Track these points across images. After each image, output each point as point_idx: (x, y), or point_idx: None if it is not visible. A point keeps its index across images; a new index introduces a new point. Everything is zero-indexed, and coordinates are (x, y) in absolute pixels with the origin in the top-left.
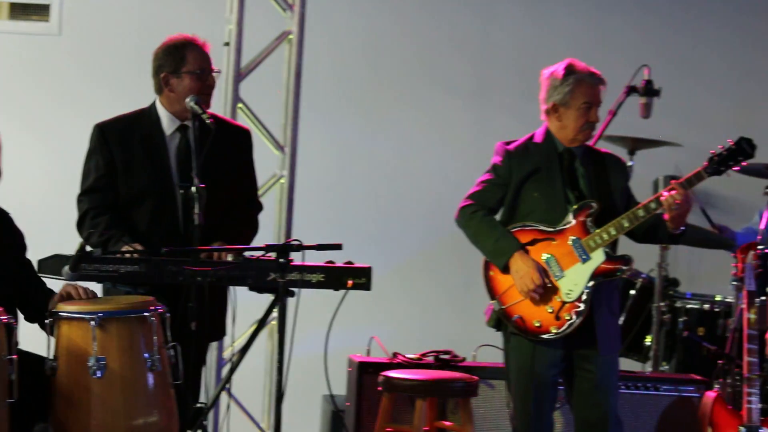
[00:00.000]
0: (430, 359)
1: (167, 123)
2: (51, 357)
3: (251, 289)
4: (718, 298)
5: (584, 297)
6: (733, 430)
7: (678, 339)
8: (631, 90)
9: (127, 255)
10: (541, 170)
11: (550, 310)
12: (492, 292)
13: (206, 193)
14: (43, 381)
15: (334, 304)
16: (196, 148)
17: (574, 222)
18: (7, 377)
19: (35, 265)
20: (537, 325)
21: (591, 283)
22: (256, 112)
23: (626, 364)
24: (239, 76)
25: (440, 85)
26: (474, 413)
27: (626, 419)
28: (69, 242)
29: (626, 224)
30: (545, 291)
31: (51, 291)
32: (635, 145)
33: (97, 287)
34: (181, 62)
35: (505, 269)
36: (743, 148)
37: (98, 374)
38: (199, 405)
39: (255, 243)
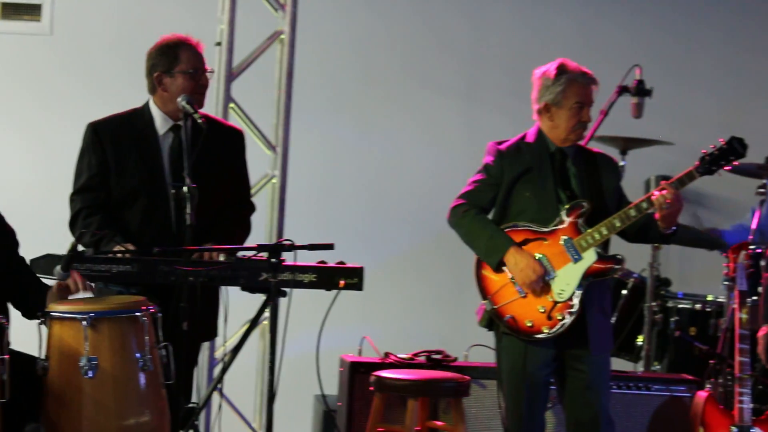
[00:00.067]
0: (421, 359)
1: (160, 123)
2: (42, 357)
3: (243, 289)
4: (709, 297)
5: (576, 297)
6: (725, 430)
7: (670, 339)
8: (622, 90)
9: (119, 255)
10: (532, 170)
11: (542, 310)
12: (484, 292)
13: (198, 193)
14: (35, 381)
15: (326, 304)
16: (188, 148)
17: (565, 222)
18: None
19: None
20: (529, 324)
21: (583, 283)
22: (248, 112)
23: (618, 363)
24: (231, 75)
25: (431, 85)
26: (466, 413)
27: (618, 419)
28: (58, 242)
29: (618, 224)
30: (538, 290)
31: (46, 286)
32: (627, 144)
33: None
34: (174, 62)
35: (499, 267)
36: (735, 147)
37: (90, 374)
38: (191, 405)
39: (247, 243)
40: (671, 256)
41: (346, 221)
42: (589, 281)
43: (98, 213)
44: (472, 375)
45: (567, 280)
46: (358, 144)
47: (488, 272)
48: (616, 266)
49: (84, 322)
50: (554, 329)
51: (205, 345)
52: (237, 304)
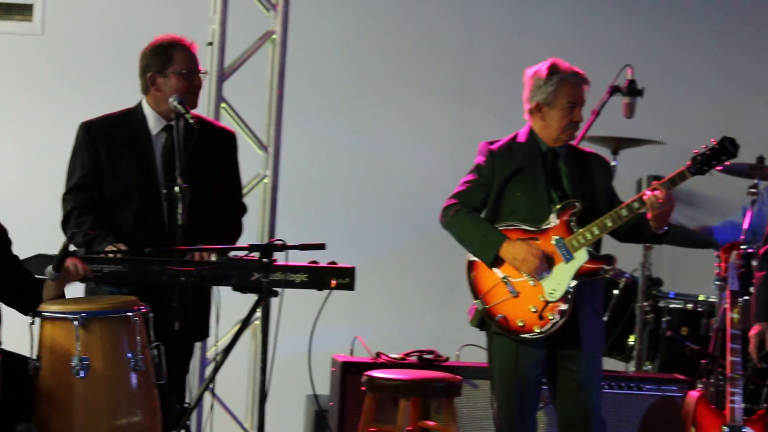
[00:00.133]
0: (413, 359)
1: (153, 122)
2: (34, 357)
3: (235, 289)
4: (701, 297)
5: (568, 296)
6: (717, 430)
7: (661, 339)
8: (614, 90)
9: (111, 255)
10: (524, 170)
11: (534, 310)
12: (475, 292)
13: (190, 193)
14: (26, 381)
15: (318, 304)
16: (180, 148)
17: (557, 221)
18: None
19: None
20: (520, 324)
21: (574, 283)
22: (240, 112)
23: (610, 363)
24: (222, 76)
25: (423, 85)
26: (457, 413)
27: (609, 419)
28: (50, 242)
29: (609, 224)
30: (530, 290)
31: (41, 282)
32: (618, 144)
33: (80, 287)
34: (168, 62)
35: (494, 263)
36: (726, 147)
37: (81, 374)
38: (183, 405)
39: (239, 243)
40: (663, 256)
41: (338, 221)
42: (581, 281)
43: (91, 213)
44: (464, 375)
45: (559, 280)
46: (350, 144)
47: (480, 272)
48: (608, 266)
49: (75, 322)
50: (545, 329)
51: (197, 345)
52: (229, 304)
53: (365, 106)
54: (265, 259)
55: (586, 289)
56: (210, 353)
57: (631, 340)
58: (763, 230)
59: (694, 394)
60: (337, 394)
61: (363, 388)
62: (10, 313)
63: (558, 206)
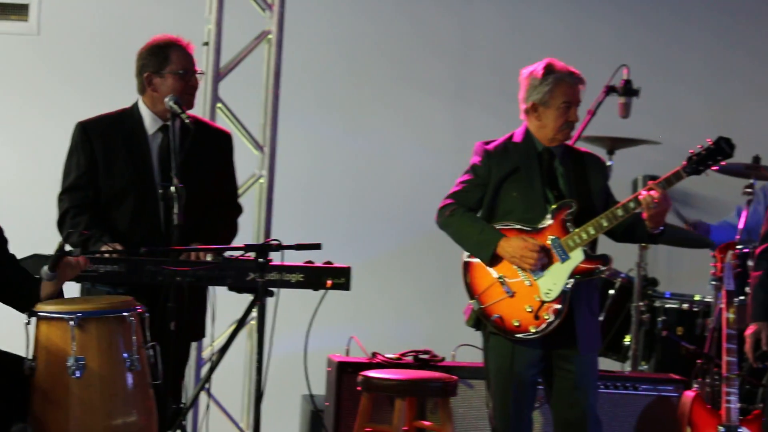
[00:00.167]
0: (409, 359)
1: (150, 122)
2: (30, 357)
3: (230, 289)
4: (697, 297)
5: (563, 296)
6: (712, 430)
7: (657, 338)
8: (610, 90)
9: (107, 255)
10: (520, 170)
11: (529, 310)
12: (471, 292)
13: (185, 193)
14: (22, 381)
15: (314, 304)
16: (176, 148)
17: (553, 221)
18: None
19: None
20: (516, 324)
21: (570, 283)
22: (235, 112)
23: (605, 363)
24: (218, 75)
25: (418, 84)
26: (453, 413)
27: (605, 419)
28: (45, 242)
29: (605, 223)
30: (525, 290)
31: (38, 280)
32: (614, 144)
33: (76, 287)
34: (164, 62)
35: (492, 261)
36: (722, 147)
37: (77, 374)
38: (180, 405)
39: (234, 243)
40: (659, 256)
41: (334, 221)
42: (577, 281)
43: (86, 212)
44: (460, 375)
45: (554, 280)
46: (346, 144)
47: (475, 272)
48: (604, 266)
49: (71, 322)
50: (541, 329)
51: (193, 345)
52: (224, 304)
53: (361, 106)
54: (260, 259)
55: (581, 289)
56: (206, 353)
57: (627, 340)
58: (759, 230)
59: (689, 394)
60: (333, 394)
61: (359, 388)
62: (5, 314)
63: (554, 206)
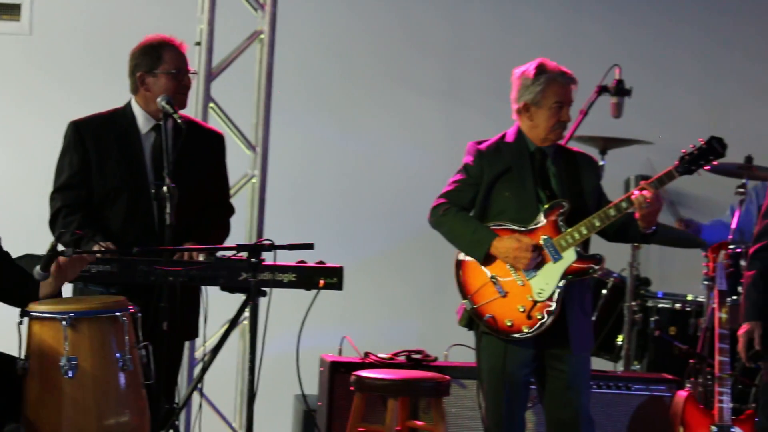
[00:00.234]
0: (401, 359)
1: (143, 122)
2: (22, 357)
3: (223, 288)
4: (689, 297)
5: (556, 296)
6: (705, 430)
7: (649, 338)
8: (602, 89)
9: (99, 255)
10: (512, 170)
11: (522, 309)
12: (464, 292)
13: (177, 194)
14: (15, 381)
15: (306, 303)
16: (168, 148)
17: (545, 221)
18: None
19: None
20: (509, 324)
21: (562, 283)
22: (228, 112)
23: (598, 363)
24: (210, 75)
25: (411, 84)
26: (446, 413)
27: (598, 419)
28: (37, 242)
29: (597, 223)
30: (518, 290)
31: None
32: (606, 144)
33: (68, 287)
34: (157, 62)
35: (486, 260)
36: (714, 147)
37: (70, 374)
38: (173, 405)
39: (227, 243)
40: (651, 256)
41: (326, 221)
42: (569, 280)
43: (79, 212)
44: (452, 375)
45: (547, 280)
46: (339, 144)
47: (468, 272)
48: (596, 266)
49: (64, 322)
50: (534, 329)
51: (185, 345)
52: (217, 304)
53: (353, 106)
54: (253, 259)
55: (574, 289)
56: (198, 353)
57: (620, 339)
58: (751, 230)
59: (682, 394)
60: (326, 394)
61: (351, 388)
62: None
63: (546, 206)
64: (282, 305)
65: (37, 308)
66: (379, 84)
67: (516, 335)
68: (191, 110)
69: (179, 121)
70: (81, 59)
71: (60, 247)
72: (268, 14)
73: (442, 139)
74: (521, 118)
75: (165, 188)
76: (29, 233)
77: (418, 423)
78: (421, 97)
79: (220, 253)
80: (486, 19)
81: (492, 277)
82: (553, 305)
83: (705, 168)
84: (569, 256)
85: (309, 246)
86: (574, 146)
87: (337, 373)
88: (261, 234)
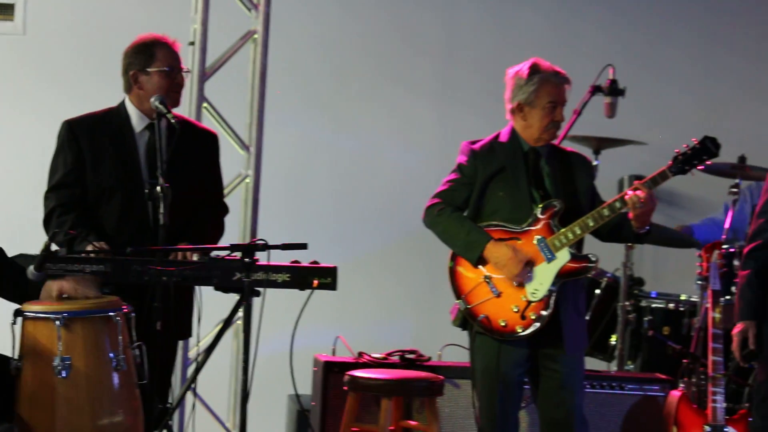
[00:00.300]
0: (395, 359)
1: (137, 121)
2: (16, 357)
3: (217, 288)
4: (683, 297)
5: (550, 296)
6: (698, 429)
7: (643, 338)
8: (595, 89)
9: (93, 255)
10: (506, 169)
11: (516, 310)
12: (458, 292)
13: (171, 193)
14: (8, 381)
15: (300, 303)
16: (162, 148)
17: (539, 221)
18: None
19: None
20: (503, 324)
21: (556, 283)
22: (221, 112)
23: (591, 363)
24: (204, 75)
25: (404, 84)
26: (439, 413)
27: (591, 418)
28: (30, 242)
29: (591, 223)
30: (512, 290)
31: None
32: (600, 144)
33: None
34: (150, 60)
35: (479, 262)
36: (708, 147)
37: (63, 374)
38: (166, 405)
39: (221, 243)
40: (644, 256)
41: (320, 221)
42: (563, 281)
43: (73, 210)
44: (446, 374)
45: (541, 280)
46: (332, 143)
47: (462, 272)
48: (590, 266)
49: (57, 322)
50: (528, 329)
51: (179, 345)
52: (210, 304)
53: (347, 106)
54: (246, 259)
55: (568, 289)
56: (192, 353)
57: (613, 339)
58: (745, 230)
59: (675, 394)
60: (319, 394)
61: (345, 388)
62: None
63: (540, 206)
64: (276, 305)
65: (30, 308)
66: (373, 84)
67: (510, 335)
68: (185, 110)
69: (173, 120)
70: (75, 59)
71: (54, 247)
72: (262, 14)
73: (436, 139)
74: (515, 118)
75: (159, 188)
76: (23, 233)
77: (412, 423)
78: (414, 97)
79: (213, 253)
80: (479, 18)
81: (486, 277)
82: (548, 305)
83: (698, 168)
84: (563, 256)
85: (303, 246)
86: (568, 146)
87: (331, 372)
88: (255, 234)
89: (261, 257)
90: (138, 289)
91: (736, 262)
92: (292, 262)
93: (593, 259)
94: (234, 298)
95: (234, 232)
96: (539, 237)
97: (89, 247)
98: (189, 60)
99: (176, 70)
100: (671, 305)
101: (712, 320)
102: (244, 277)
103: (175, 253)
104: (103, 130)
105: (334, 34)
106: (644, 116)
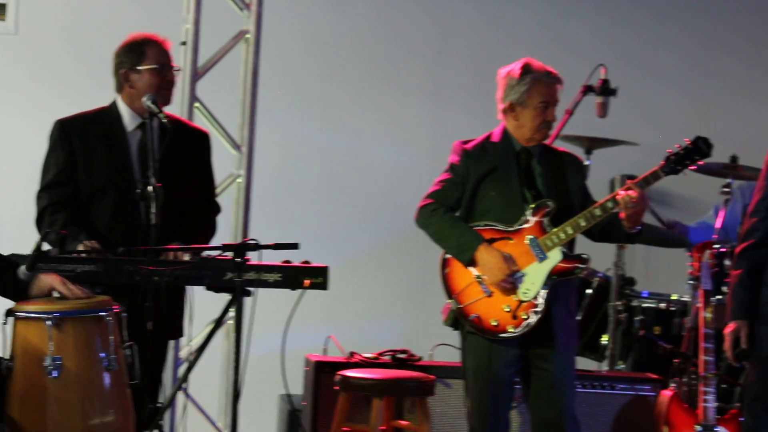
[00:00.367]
0: (386, 358)
1: (128, 120)
2: (7, 357)
3: (208, 288)
4: (674, 297)
5: (541, 296)
6: (689, 429)
7: (634, 338)
8: (587, 89)
9: (84, 254)
10: (498, 169)
11: (507, 309)
12: (449, 291)
13: (163, 193)
14: None
15: (291, 303)
16: (153, 147)
17: (531, 221)
18: None
19: None
20: (494, 324)
21: (548, 282)
22: (213, 112)
23: (583, 363)
24: (196, 75)
25: (397, 84)
26: (431, 412)
27: (583, 418)
28: (21, 242)
29: (583, 223)
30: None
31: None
32: (592, 144)
33: None
34: (140, 58)
35: (470, 264)
36: (700, 147)
37: (54, 374)
38: (157, 405)
39: (212, 242)
40: (636, 256)
41: (312, 220)
42: (555, 280)
43: (65, 210)
44: (437, 374)
45: (532, 280)
46: (324, 143)
47: (453, 271)
48: (582, 265)
49: (48, 322)
50: (519, 328)
51: (170, 345)
52: (202, 304)
53: (339, 106)
54: (238, 259)
55: (559, 289)
56: (183, 353)
57: (604, 339)
58: (736, 229)
59: (666, 394)
60: (311, 394)
61: (336, 388)
62: None
63: (531, 206)
64: (267, 305)
65: (21, 308)
66: (365, 84)
67: (501, 335)
68: (176, 110)
69: (165, 120)
70: (67, 59)
71: (45, 247)
72: (254, 14)
73: (428, 139)
74: (507, 117)
75: (150, 188)
76: (15, 233)
77: (403, 422)
78: (406, 97)
79: (205, 253)
80: (471, 19)
81: (477, 277)
82: (539, 305)
83: (690, 168)
84: (555, 256)
85: (294, 246)
86: (560, 146)
87: (322, 372)
88: (246, 233)
89: (252, 257)
90: (129, 289)
91: (727, 262)
92: (284, 262)
93: (585, 258)
94: (225, 297)
95: (225, 231)
96: (531, 237)
97: (80, 247)
98: (181, 60)
99: (167, 67)
100: (662, 305)
101: (703, 320)
102: (235, 276)
103: (166, 253)
104: (95, 130)
105: (327, 34)
106: (636, 116)
